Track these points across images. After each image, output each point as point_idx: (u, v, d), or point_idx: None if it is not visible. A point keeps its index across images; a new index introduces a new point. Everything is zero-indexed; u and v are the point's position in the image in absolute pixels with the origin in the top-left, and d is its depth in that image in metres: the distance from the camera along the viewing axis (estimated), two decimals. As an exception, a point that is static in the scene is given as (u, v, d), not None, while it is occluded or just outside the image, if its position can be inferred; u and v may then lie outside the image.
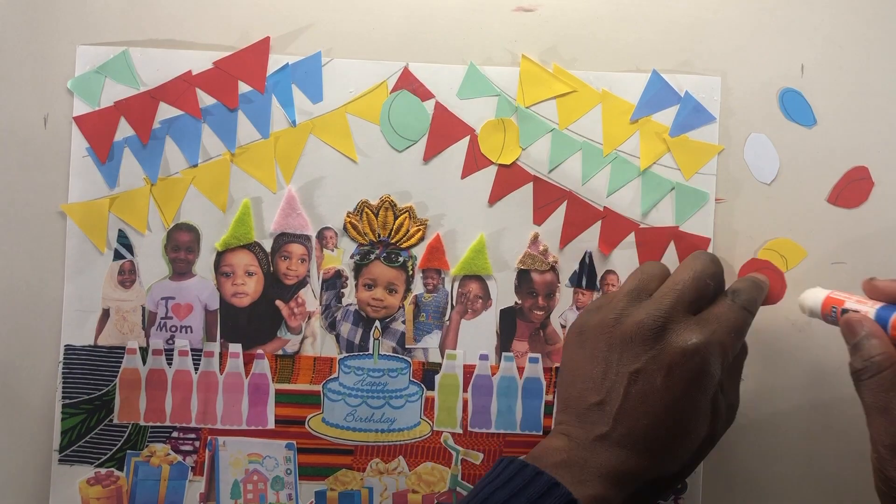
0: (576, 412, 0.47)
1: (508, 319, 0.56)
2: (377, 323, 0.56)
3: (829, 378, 0.56)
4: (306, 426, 0.56)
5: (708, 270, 0.48)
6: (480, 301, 0.56)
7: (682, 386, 0.45)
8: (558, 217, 0.56)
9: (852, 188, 0.56)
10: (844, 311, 0.47)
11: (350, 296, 0.56)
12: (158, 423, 0.56)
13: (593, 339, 0.48)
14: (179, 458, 0.56)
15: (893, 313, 0.44)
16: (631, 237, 0.56)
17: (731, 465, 0.57)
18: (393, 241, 0.56)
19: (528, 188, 0.56)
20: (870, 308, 0.46)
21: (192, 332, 0.56)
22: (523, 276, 0.56)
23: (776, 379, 0.56)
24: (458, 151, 0.56)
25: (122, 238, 0.56)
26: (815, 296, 0.49)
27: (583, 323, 0.49)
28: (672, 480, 0.49)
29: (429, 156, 0.56)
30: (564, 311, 0.57)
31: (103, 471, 0.55)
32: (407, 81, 0.56)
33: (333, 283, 0.56)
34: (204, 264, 0.56)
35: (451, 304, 0.56)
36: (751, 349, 0.55)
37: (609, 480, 0.44)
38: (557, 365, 0.56)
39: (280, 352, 0.56)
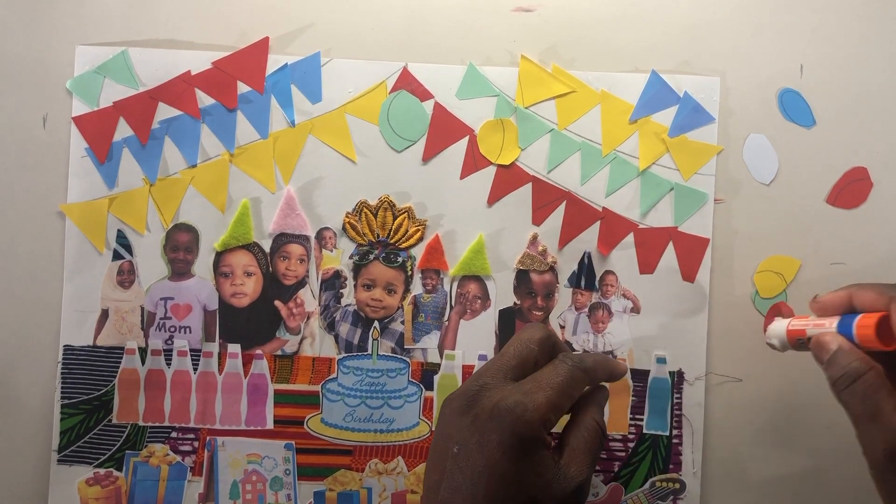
0: (426, 492, 0.43)
1: (507, 320, 0.56)
2: (376, 323, 0.56)
3: (829, 378, 0.56)
4: (305, 426, 0.56)
5: (534, 336, 0.45)
6: (479, 301, 0.56)
7: (494, 449, 0.40)
8: (557, 217, 0.56)
9: (851, 189, 0.56)
10: (809, 338, 0.46)
11: (349, 296, 0.56)
12: (157, 424, 0.56)
13: (440, 419, 0.45)
14: (178, 458, 0.56)
15: (853, 321, 0.44)
16: (630, 238, 0.56)
17: (731, 465, 0.57)
18: (392, 242, 0.56)
19: (527, 188, 0.56)
20: (829, 326, 0.45)
21: (191, 332, 0.56)
22: (522, 277, 0.56)
23: (776, 380, 0.56)
24: (457, 152, 0.56)
25: (121, 238, 0.56)
26: (779, 330, 0.49)
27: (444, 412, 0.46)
28: None
29: (428, 156, 0.56)
30: (563, 312, 0.57)
31: (102, 471, 0.56)
32: (406, 81, 0.56)
33: (332, 283, 0.56)
34: (203, 264, 0.56)
35: (450, 305, 0.56)
36: (749, 351, 0.55)
37: None
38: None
39: (279, 352, 0.56)
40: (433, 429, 0.51)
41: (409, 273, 0.56)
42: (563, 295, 0.57)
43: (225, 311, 0.56)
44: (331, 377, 0.56)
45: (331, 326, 0.56)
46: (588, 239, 0.56)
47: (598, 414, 0.45)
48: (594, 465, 0.43)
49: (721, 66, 0.56)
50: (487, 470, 0.40)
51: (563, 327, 0.56)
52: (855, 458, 0.56)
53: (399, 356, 0.56)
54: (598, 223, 0.56)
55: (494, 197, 0.56)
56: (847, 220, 0.56)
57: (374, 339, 0.56)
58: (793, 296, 0.56)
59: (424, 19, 0.56)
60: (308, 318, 0.56)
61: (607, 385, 0.48)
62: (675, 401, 0.56)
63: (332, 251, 0.56)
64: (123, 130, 0.55)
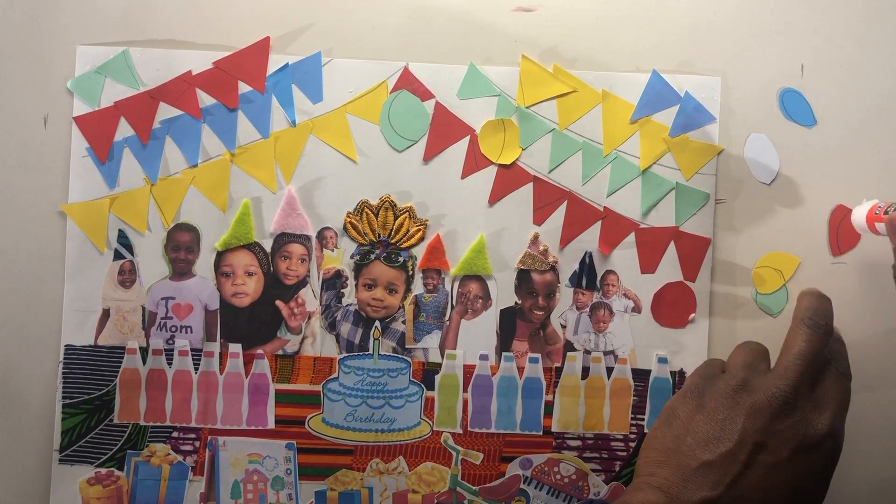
0: (680, 469, 0.45)
1: (508, 319, 0.56)
2: (377, 323, 0.56)
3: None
4: (306, 426, 0.56)
5: (821, 345, 0.48)
6: (480, 301, 0.56)
7: (807, 468, 0.45)
8: (558, 217, 0.56)
9: (845, 229, 0.57)
10: (887, 211, 0.48)
11: (350, 296, 0.56)
12: (158, 423, 0.56)
13: (714, 400, 0.47)
14: (179, 457, 0.56)
15: None
16: (631, 237, 0.56)
17: (730, 465, 0.57)
18: (393, 242, 0.56)
19: (528, 188, 0.56)
20: None
21: (192, 332, 0.56)
22: (523, 277, 0.56)
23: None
24: (458, 151, 0.56)
25: (122, 238, 0.56)
26: (859, 213, 0.52)
27: (703, 385, 0.48)
28: None
29: (429, 156, 0.56)
30: (564, 312, 0.57)
31: (103, 470, 0.56)
32: (407, 81, 0.56)
33: (333, 283, 0.56)
34: (204, 264, 0.56)
35: (451, 304, 0.56)
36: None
37: None
38: (558, 365, 0.57)
39: (280, 352, 0.56)
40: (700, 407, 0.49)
41: (411, 273, 0.56)
42: (565, 294, 0.57)
43: (226, 310, 0.56)
44: (332, 377, 0.56)
45: (332, 326, 0.56)
46: (589, 239, 0.56)
47: (840, 364, 0.49)
48: (840, 411, 0.47)
49: (722, 66, 0.56)
50: (796, 482, 0.45)
51: (564, 327, 0.57)
52: (857, 459, 0.56)
53: (400, 356, 0.56)
54: (599, 223, 0.56)
55: (495, 197, 0.56)
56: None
57: (375, 339, 0.56)
58: (792, 293, 0.56)
59: (425, 19, 0.56)
60: (309, 317, 0.56)
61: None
62: (676, 400, 0.56)
63: (333, 251, 0.56)
64: (124, 130, 0.55)
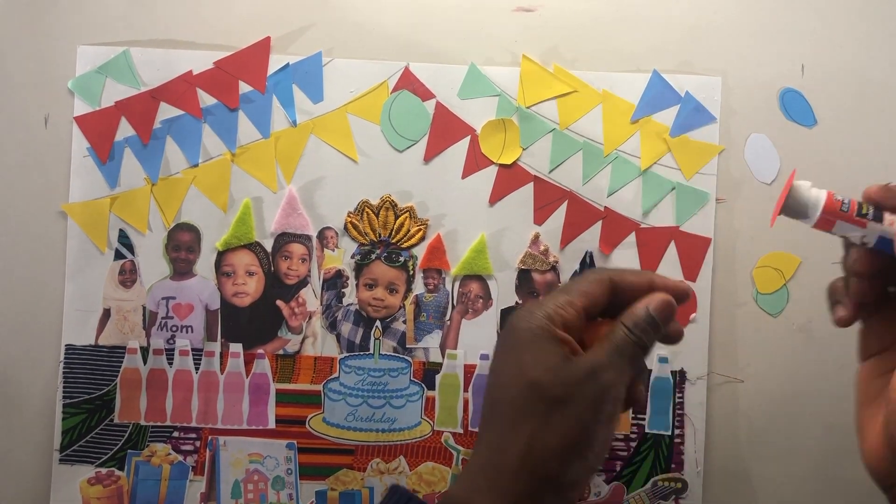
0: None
1: (509, 319, 0.56)
2: (378, 323, 0.56)
3: (830, 378, 0.56)
4: (307, 426, 0.56)
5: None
6: (481, 301, 0.56)
7: (503, 348, 0.41)
8: (559, 217, 0.56)
9: None
10: (863, 213, 0.40)
11: (351, 295, 0.56)
12: (159, 423, 0.56)
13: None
14: (180, 457, 0.56)
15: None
16: (631, 237, 0.56)
17: (731, 465, 0.57)
18: (394, 241, 0.56)
19: (529, 188, 0.56)
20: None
21: (192, 331, 0.56)
22: (524, 276, 0.56)
23: (777, 380, 0.56)
24: (458, 151, 0.56)
25: (123, 238, 0.56)
26: (814, 194, 0.41)
27: None
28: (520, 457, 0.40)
29: (429, 156, 0.56)
30: (565, 311, 0.56)
31: (104, 470, 0.55)
32: (408, 81, 0.56)
33: (334, 282, 0.56)
34: (205, 264, 0.56)
35: (452, 304, 0.56)
36: (750, 351, 0.55)
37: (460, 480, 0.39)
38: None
39: (281, 351, 0.56)
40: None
41: (411, 272, 0.56)
42: (565, 294, 0.56)
43: (227, 310, 0.56)
44: (332, 377, 0.56)
45: (332, 326, 0.56)
46: (590, 238, 0.56)
47: (630, 318, 0.40)
48: (616, 355, 0.39)
49: (722, 66, 0.56)
50: (494, 365, 0.40)
51: (564, 327, 0.56)
52: (856, 459, 0.56)
53: (401, 355, 0.56)
54: (599, 223, 0.56)
55: (496, 196, 0.56)
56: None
57: (375, 339, 0.56)
58: (793, 293, 0.56)
59: (426, 20, 0.56)
60: (310, 317, 0.56)
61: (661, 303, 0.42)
62: (678, 400, 0.56)
63: (333, 251, 0.56)
64: (125, 130, 0.55)
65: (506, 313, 0.56)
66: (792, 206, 0.40)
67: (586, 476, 0.39)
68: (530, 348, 0.39)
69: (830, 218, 0.40)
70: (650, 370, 0.56)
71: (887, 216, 0.39)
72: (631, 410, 0.57)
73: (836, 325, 0.46)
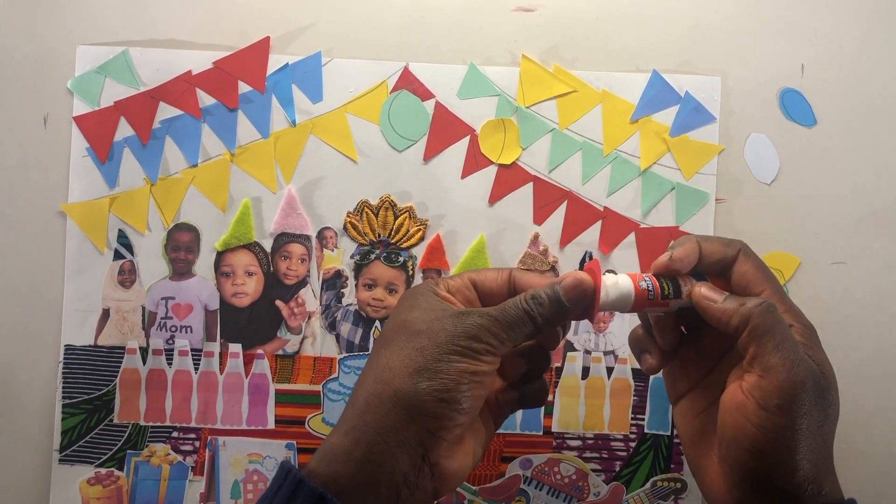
0: None
1: (508, 319, 0.56)
2: (377, 323, 0.56)
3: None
4: (306, 426, 0.56)
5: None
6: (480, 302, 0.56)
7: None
8: (558, 217, 0.56)
9: None
10: (667, 294, 0.42)
11: (350, 296, 0.56)
12: (158, 423, 0.56)
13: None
14: (179, 457, 0.56)
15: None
16: (631, 237, 0.56)
17: (731, 465, 0.57)
18: (393, 242, 0.56)
19: (529, 188, 0.56)
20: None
21: (192, 332, 0.56)
22: (523, 276, 0.56)
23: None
24: (458, 151, 0.56)
25: (122, 238, 0.56)
26: (623, 283, 0.42)
27: None
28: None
29: (429, 156, 0.56)
30: (564, 311, 0.56)
31: (103, 471, 0.55)
32: (407, 81, 0.56)
33: (333, 283, 0.56)
34: (204, 264, 0.56)
35: (452, 304, 0.56)
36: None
37: (335, 435, 0.39)
38: (558, 365, 0.56)
39: (280, 352, 0.56)
40: None
41: (411, 273, 0.56)
42: (565, 294, 0.56)
43: (226, 310, 0.56)
44: (332, 377, 0.56)
45: (332, 326, 0.56)
46: (589, 239, 0.56)
47: (531, 289, 0.41)
48: (498, 311, 0.40)
49: (722, 66, 0.56)
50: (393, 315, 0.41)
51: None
52: (854, 459, 0.56)
53: (400, 356, 0.56)
54: (599, 223, 0.56)
55: (496, 196, 0.56)
56: (849, 220, 0.57)
57: (375, 339, 0.56)
58: (792, 293, 0.56)
59: (425, 19, 0.56)
60: (309, 317, 0.56)
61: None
62: (677, 400, 0.56)
63: (333, 251, 0.56)
64: (124, 130, 0.55)
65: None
66: (607, 306, 0.43)
67: (440, 406, 0.38)
68: (409, 300, 0.41)
69: (640, 307, 0.43)
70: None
71: (684, 288, 0.42)
72: (631, 410, 0.57)
73: (648, 373, 0.51)
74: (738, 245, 0.43)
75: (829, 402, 0.40)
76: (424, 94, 0.56)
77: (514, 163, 0.56)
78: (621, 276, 0.43)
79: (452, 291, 0.42)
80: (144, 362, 0.56)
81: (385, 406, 0.38)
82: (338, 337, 0.56)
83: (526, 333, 0.40)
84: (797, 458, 0.38)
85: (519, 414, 0.56)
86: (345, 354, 0.56)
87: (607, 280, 0.42)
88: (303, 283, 0.56)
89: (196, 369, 0.56)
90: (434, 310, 0.40)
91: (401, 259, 0.56)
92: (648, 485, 0.56)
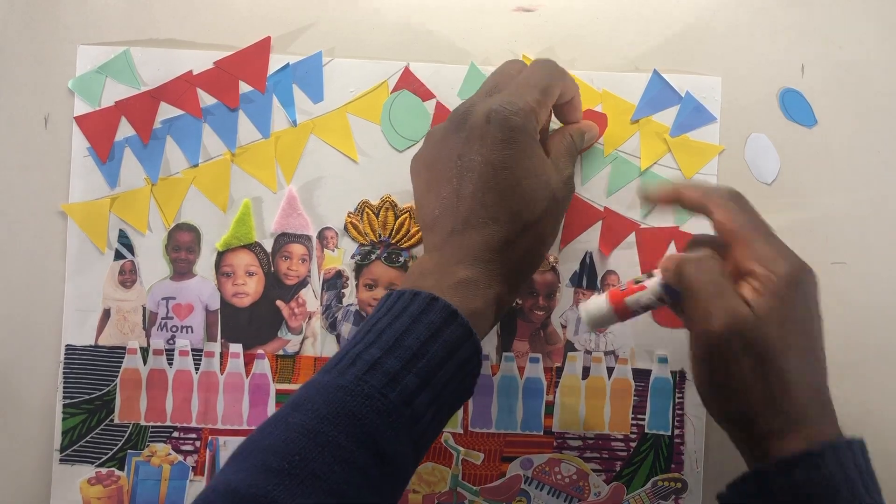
0: (429, 227, 0.46)
1: (509, 319, 0.56)
2: (378, 323, 0.56)
3: (829, 378, 0.56)
4: (307, 426, 0.56)
5: (511, 66, 0.50)
6: (481, 301, 0.56)
7: (496, 146, 0.45)
8: (559, 217, 0.56)
9: None
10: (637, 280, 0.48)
11: (351, 296, 0.56)
12: (159, 423, 0.56)
13: (428, 147, 0.49)
14: (180, 458, 0.56)
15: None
16: (631, 237, 0.56)
17: (731, 466, 0.57)
18: (394, 242, 0.56)
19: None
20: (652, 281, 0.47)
21: (192, 332, 0.56)
22: (524, 276, 0.56)
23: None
24: (458, 151, 0.56)
25: (123, 238, 0.56)
26: (598, 302, 0.48)
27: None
28: (532, 249, 0.47)
29: (429, 156, 0.56)
30: (565, 312, 0.57)
31: (104, 470, 0.55)
32: (408, 81, 0.56)
33: (334, 283, 0.56)
34: (205, 264, 0.56)
35: (452, 304, 0.56)
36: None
37: (467, 264, 0.44)
38: (558, 365, 0.57)
39: (281, 352, 0.56)
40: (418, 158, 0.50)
41: (411, 273, 0.56)
42: (565, 294, 0.57)
43: (227, 310, 0.56)
44: (332, 377, 0.56)
45: (332, 326, 0.56)
46: (589, 239, 0.56)
47: (573, 131, 0.52)
48: (573, 165, 0.50)
49: (722, 66, 0.56)
50: (493, 164, 0.45)
51: (564, 327, 0.57)
52: (856, 458, 0.56)
53: (401, 356, 0.56)
54: (599, 223, 0.56)
55: (496, 196, 0.56)
56: (849, 220, 0.57)
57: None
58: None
59: (426, 19, 0.56)
60: (310, 317, 0.56)
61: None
62: (677, 400, 0.56)
63: (333, 251, 0.56)
64: (125, 130, 0.55)
65: (505, 313, 0.56)
66: (594, 325, 0.49)
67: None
68: (526, 149, 0.46)
69: (619, 303, 0.47)
70: (650, 370, 0.56)
71: (656, 272, 0.47)
72: (632, 410, 0.57)
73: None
74: (725, 191, 0.47)
75: (815, 302, 0.44)
76: (425, 94, 0.56)
77: (514, 163, 0.56)
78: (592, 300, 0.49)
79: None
80: (145, 362, 0.56)
81: (535, 270, 0.49)
82: (338, 337, 0.56)
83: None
84: (732, 400, 0.43)
85: (519, 413, 0.56)
86: (345, 354, 0.56)
87: (583, 307, 0.49)
88: (303, 283, 0.56)
89: (197, 369, 0.56)
90: (557, 172, 0.48)
91: (401, 259, 0.56)
92: (649, 485, 0.56)
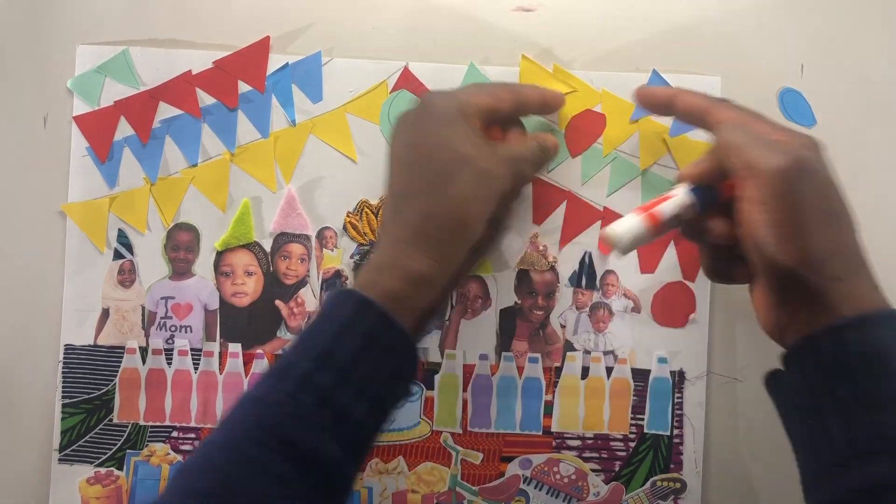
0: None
1: (508, 319, 0.56)
2: (377, 323, 0.56)
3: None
4: (306, 426, 0.56)
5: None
6: (480, 301, 0.56)
7: (433, 120, 0.46)
8: (558, 217, 0.56)
9: None
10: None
11: (350, 295, 0.56)
12: (158, 423, 0.56)
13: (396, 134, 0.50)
14: (179, 457, 0.56)
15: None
16: (631, 237, 0.56)
17: (731, 465, 0.57)
18: (393, 241, 0.56)
19: (528, 188, 0.56)
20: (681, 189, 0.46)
21: (191, 331, 0.56)
22: (523, 276, 0.56)
23: (776, 379, 0.56)
24: (457, 151, 0.56)
25: (122, 237, 0.56)
26: (631, 221, 0.45)
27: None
28: (455, 224, 0.45)
29: (429, 156, 0.56)
30: (564, 311, 0.56)
31: (103, 470, 0.55)
32: (407, 81, 0.56)
33: (333, 282, 0.56)
34: (204, 264, 0.56)
35: (451, 304, 0.56)
36: (749, 351, 0.55)
37: (385, 247, 0.45)
38: (557, 364, 0.56)
39: (280, 352, 0.56)
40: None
41: (410, 272, 0.56)
42: (564, 294, 0.56)
43: (226, 310, 0.56)
44: (331, 377, 0.56)
45: (332, 326, 0.56)
46: (589, 238, 0.56)
47: (541, 140, 0.52)
48: (534, 156, 0.50)
49: (722, 66, 0.56)
50: (412, 144, 0.46)
51: (563, 327, 0.56)
52: (855, 458, 0.56)
53: (400, 356, 0.56)
54: (598, 223, 0.56)
55: (495, 196, 0.56)
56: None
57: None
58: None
59: (425, 19, 0.56)
60: (309, 317, 0.56)
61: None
62: (676, 400, 0.56)
63: (332, 251, 0.56)
64: (124, 130, 0.55)
65: (505, 313, 0.56)
66: (626, 245, 0.46)
67: (490, 245, 0.52)
68: (455, 127, 0.45)
69: (650, 215, 0.46)
70: (649, 370, 0.56)
71: (678, 185, 0.47)
72: (631, 410, 0.57)
73: (717, 239, 0.47)
74: (720, 100, 0.47)
75: (822, 184, 0.42)
76: (424, 94, 0.56)
77: (513, 163, 0.56)
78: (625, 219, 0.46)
79: (478, 117, 0.47)
80: (144, 362, 0.56)
81: (463, 244, 0.45)
82: (337, 337, 0.56)
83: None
84: (804, 239, 0.40)
85: (518, 413, 0.56)
86: (344, 354, 0.56)
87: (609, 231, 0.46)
88: (302, 282, 0.56)
89: (196, 369, 0.56)
90: (487, 147, 0.46)
91: (400, 259, 0.56)
92: (648, 485, 0.56)
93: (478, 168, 0.45)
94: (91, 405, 0.55)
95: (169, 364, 0.56)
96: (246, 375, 0.56)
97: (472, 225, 0.45)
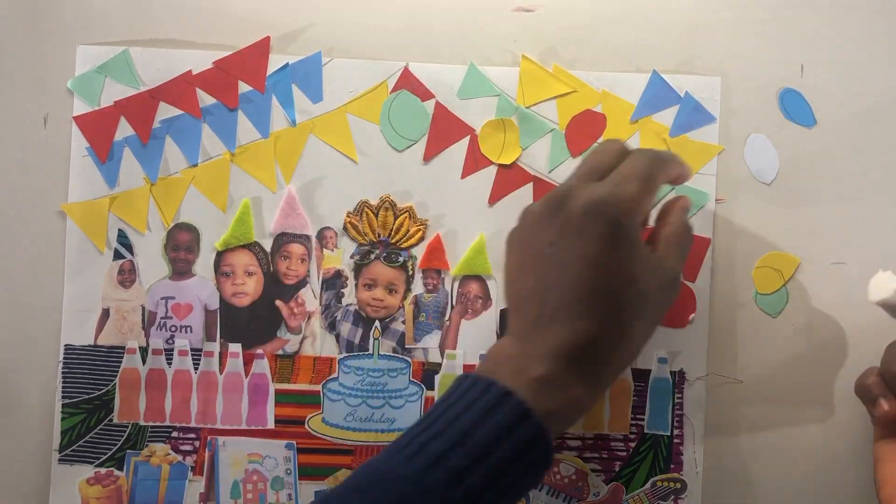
0: (514, 308, 0.45)
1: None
2: (377, 323, 0.56)
3: (830, 379, 0.56)
4: (306, 426, 0.56)
5: (611, 146, 0.48)
6: (480, 301, 0.56)
7: (595, 241, 0.42)
8: (558, 217, 0.56)
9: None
10: None
11: (350, 296, 0.56)
12: (158, 423, 0.56)
13: (521, 229, 0.47)
14: (179, 457, 0.56)
15: None
16: (631, 237, 0.56)
17: (731, 465, 0.57)
18: (393, 241, 0.56)
19: (529, 188, 0.56)
20: None
21: (191, 331, 0.56)
22: (523, 276, 0.56)
23: (776, 380, 0.56)
24: (458, 151, 0.56)
25: (122, 238, 0.56)
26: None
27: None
28: (620, 353, 0.45)
29: (429, 156, 0.56)
30: (564, 311, 0.56)
31: (103, 470, 0.55)
32: (407, 81, 0.56)
33: (333, 282, 0.56)
34: (204, 264, 0.56)
35: (451, 305, 0.56)
36: (749, 352, 0.55)
37: (548, 360, 0.41)
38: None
39: (280, 352, 0.56)
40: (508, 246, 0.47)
41: (410, 273, 0.56)
42: (564, 294, 0.56)
43: (226, 310, 0.56)
44: (332, 377, 0.56)
45: (332, 326, 0.56)
46: (589, 238, 0.56)
47: (683, 215, 0.49)
48: (685, 260, 0.47)
49: (722, 66, 0.56)
50: (588, 261, 0.42)
51: (564, 327, 0.56)
52: (855, 459, 0.56)
53: (400, 356, 0.56)
54: (599, 223, 0.56)
55: (496, 196, 0.56)
56: (849, 220, 0.56)
57: (375, 339, 0.56)
58: (791, 294, 0.56)
59: (425, 19, 0.56)
60: (309, 317, 0.56)
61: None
62: (677, 401, 0.56)
63: (332, 251, 0.56)
64: (124, 130, 0.55)
65: (505, 314, 0.56)
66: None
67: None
68: (628, 247, 0.43)
69: None
70: (649, 370, 0.56)
71: None
72: (631, 410, 0.57)
73: (880, 420, 0.49)
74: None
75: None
76: (424, 95, 0.56)
77: (514, 163, 0.56)
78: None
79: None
80: (144, 362, 0.56)
81: (623, 363, 0.45)
82: (338, 337, 0.56)
83: None
84: None
85: (519, 414, 0.56)
86: (344, 354, 0.56)
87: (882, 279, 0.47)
88: (303, 282, 0.56)
89: (196, 369, 0.56)
90: (657, 269, 0.45)
91: (401, 259, 0.56)
92: (648, 485, 0.56)
93: (651, 301, 0.44)
94: (91, 405, 0.55)
95: (169, 364, 0.56)
96: (246, 376, 0.56)
97: (635, 356, 0.46)
